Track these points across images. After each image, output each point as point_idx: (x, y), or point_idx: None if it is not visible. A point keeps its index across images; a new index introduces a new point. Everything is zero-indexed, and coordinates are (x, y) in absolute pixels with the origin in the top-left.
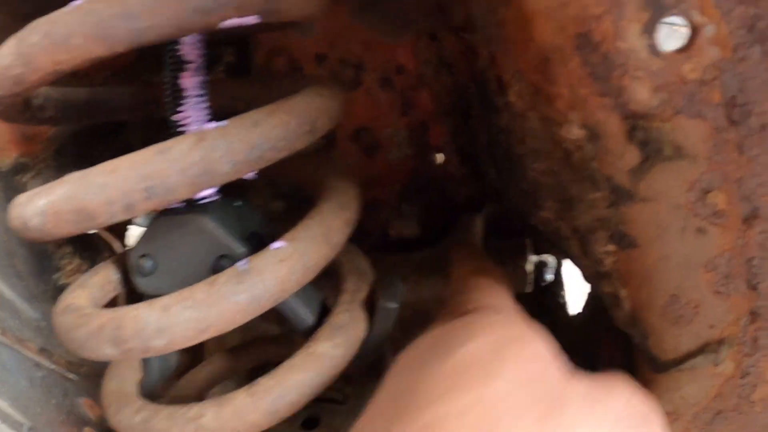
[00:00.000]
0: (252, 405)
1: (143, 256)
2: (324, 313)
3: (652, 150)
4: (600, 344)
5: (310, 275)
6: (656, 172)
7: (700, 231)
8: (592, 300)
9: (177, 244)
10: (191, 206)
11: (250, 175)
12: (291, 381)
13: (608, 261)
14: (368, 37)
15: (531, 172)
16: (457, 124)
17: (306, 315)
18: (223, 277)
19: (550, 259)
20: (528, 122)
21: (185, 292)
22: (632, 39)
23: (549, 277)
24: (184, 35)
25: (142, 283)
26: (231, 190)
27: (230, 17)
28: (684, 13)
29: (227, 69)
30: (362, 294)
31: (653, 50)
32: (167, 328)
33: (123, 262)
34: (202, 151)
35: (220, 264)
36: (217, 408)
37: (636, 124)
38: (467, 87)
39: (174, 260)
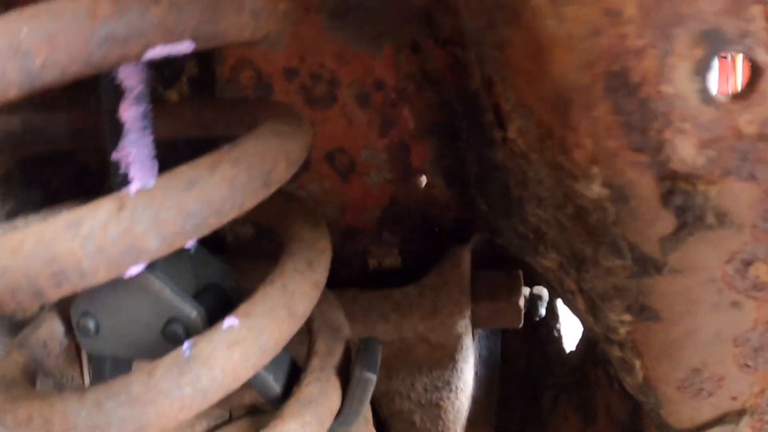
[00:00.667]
0: None
1: (85, 314)
2: (294, 375)
3: (692, 217)
4: (597, 388)
5: (269, 357)
6: (693, 242)
7: (735, 305)
8: (588, 342)
9: (120, 304)
10: None
11: (189, 244)
12: None
13: (622, 330)
14: (343, 48)
15: (533, 218)
16: (442, 144)
17: (272, 384)
18: (162, 366)
19: (543, 292)
20: (532, 165)
21: (120, 385)
22: (681, 82)
23: (542, 311)
24: (95, 72)
25: (86, 344)
26: None
27: (153, 45)
28: (747, 50)
29: (190, 84)
30: (335, 358)
31: (705, 97)
32: (101, 427)
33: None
34: (122, 224)
35: (170, 329)
36: None
37: (675, 187)
38: (454, 105)
39: (118, 322)
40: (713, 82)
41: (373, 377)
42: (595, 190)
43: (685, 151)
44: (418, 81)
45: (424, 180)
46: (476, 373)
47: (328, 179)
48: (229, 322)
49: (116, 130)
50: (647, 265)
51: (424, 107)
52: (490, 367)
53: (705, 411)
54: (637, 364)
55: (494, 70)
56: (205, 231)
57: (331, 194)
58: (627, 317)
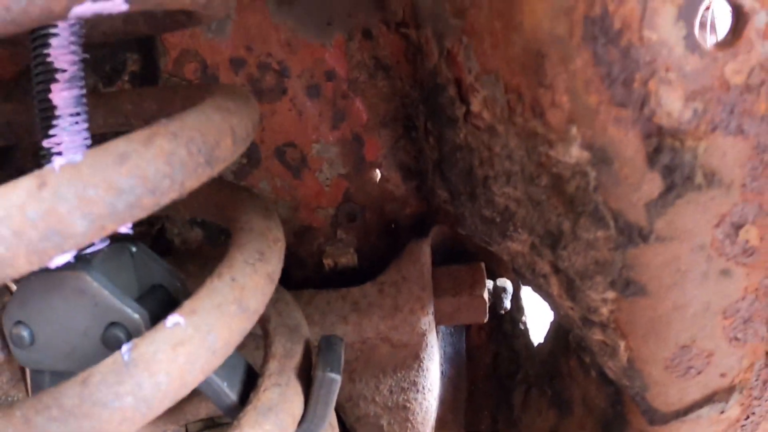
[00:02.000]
0: None
1: (18, 324)
2: (251, 381)
3: (680, 178)
4: (571, 378)
5: (220, 359)
6: (681, 205)
7: (725, 273)
8: (558, 330)
9: (56, 310)
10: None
11: (123, 229)
12: None
13: (605, 310)
14: (291, 37)
15: (500, 199)
16: (397, 136)
17: (227, 392)
18: (98, 374)
19: (507, 284)
20: (498, 139)
21: (51, 397)
22: (665, 27)
23: (507, 304)
24: (17, 30)
25: (20, 357)
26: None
27: (81, 1)
28: None
29: (132, 79)
30: (295, 360)
31: (690, 44)
32: None
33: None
34: (44, 204)
35: (111, 334)
36: None
37: (661, 145)
38: (409, 93)
39: (55, 330)
40: (698, 28)
41: (337, 377)
42: (574, 153)
43: (672, 103)
44: (371, 70)
45: (378, 174)
46: (442, 373)
47: (278, 176)
48: (174, 320)
49: (47, 115)
50: (632, 234)
51: (377, 98)
52: (455, 365)
53: (693, 390)
54: (621, 345)
55: (455, 40)
56: (140, 213)
57: (283, 192)
58: (610, 294)
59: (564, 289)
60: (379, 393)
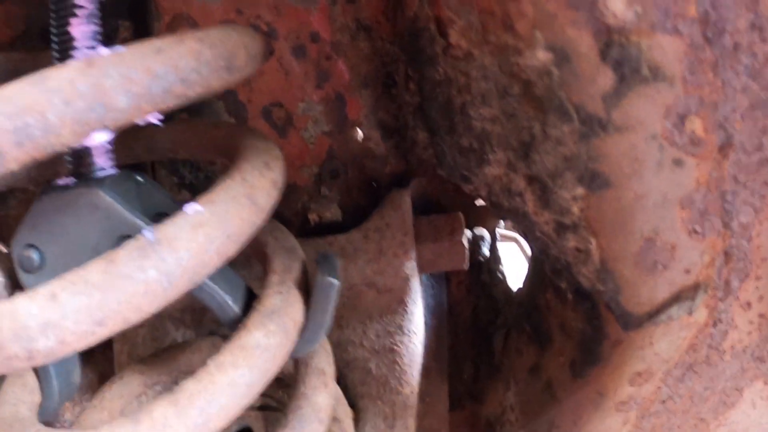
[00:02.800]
0: (176, 417)
1: (28, 247)
2: (252, 299)
3: (629, 70)
4: (548, 310)
5: (234, 246)
6: (632, 96)
7: (677, 163)
8: (536, 270)
9: (67, 229)
10: (81, 180)
11: (154, 117)
12: (221, 383)
13: (576, 208)
14: (279, 1)
15: (477, 122)
16: (378, 95)
17: (230, 303)
18: (124, 250)
19: (485, 233)
20: (474, 62)
21: (76, 273)
22: None
23: (485, 251)
24: None
25: (29, 282)
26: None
27: None
28: None
29: (125, 45)
30: (294, 273)
31: None
32: (55, 322)
33: (8, 261)
34: (92, 79)
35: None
36: (133, 427)
37: (610, 41)
38: (389, 52)
39: (66, 250)
40: None
41: (335, 282)
42: (540, 56)
43: (616, 5)
44: (353, 32)
45: (360, 133)
46: (426, 323)
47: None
48: (193, 207)
49: (68, 45)
50: (593, 125)
51: (358, 59)
52: (437, 315)
53: (662, 288)
54: (593, 243)
55: None
56: (172, 100)
57: None
58: (579, 191)
59: (538, 198)
60: (367, 338)
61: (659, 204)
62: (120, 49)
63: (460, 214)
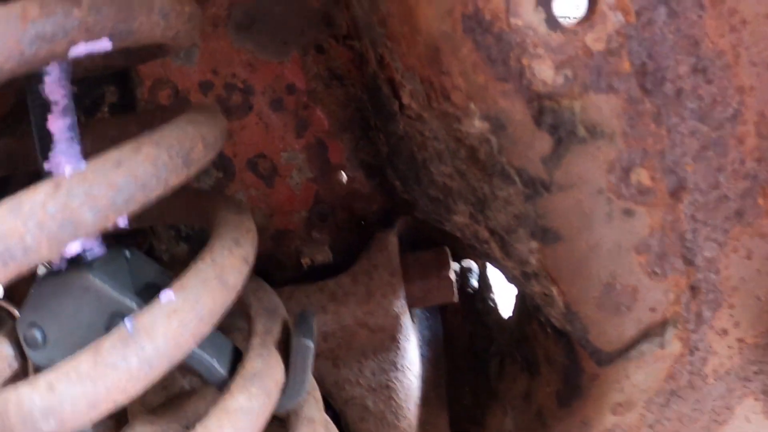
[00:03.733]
0: None
1: (31, 326)
2: (237, 358)
3: (565, 133)
4: (535, 340)
5: (207, 326)
6: (572, 156)
7: (627, 213)
8: (522, 300)
9: (64, 309)
10: (73, 264)
11: (121, 222)
12: None
13: (533, 260)
14: (252, 58)
15: (438, 177)
16: (357, 137)
17: (216, 366)
18: (107, 341)
19: (472, 264)
20: (426, 124)
21: (69, 365)
22: (527, 14)
23: (474, 282)
24: (27, 69)
25: (35, 358)
26: (123, 239)
27: (76, 43)
28: None
29: (111, 110)
30: (274, 335)
31: (551, 24)
32: (55, 408)
33: (16, 334)
34: (59, 201)
35: (113, 322)
36: None
37: (543, 107)
38: (362, 98)
39: (64, 327)
40: (559, 9)
41: (310, 344)
42: (477, 125)
43: (544, 73)
44: (326, 80)
45: (344, 175)
46: (422, 355)
47: (253, 186)
48: (166, 296)
49: (46, 142)
50: (536, 186)
51: (334, 105)
52: (434, 346)
53: (628, 327)
54: (555, 290)
55: (383, 46)
56: (135, 206)
57: (258, 200)
58: (534, 244)
59: (500, 248)
60: (363, 376)
61: (614, 252)
62: (81, 167)
63: (446, 249)
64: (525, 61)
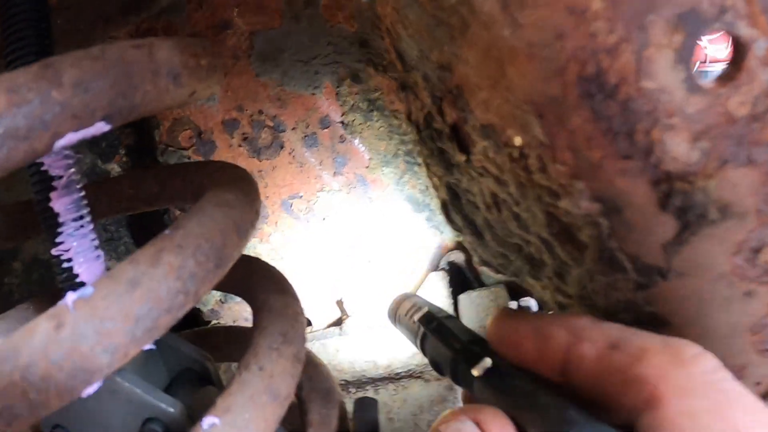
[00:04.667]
0: None
1: (55, 427)
2: None
3: (693, 216)
4: None
5: None
6: (697, 242)
7: (748, 294)
8: None
9: (91, 413)
10: None
11: (148, 346)
12: None
13: None
14: (280, 91)
15: (512, 240)
16: (401, 171)
17: None
18: None
19: (532, 303)
20: (504, 187)
21: None
22: (663, 74)
23: None
24: (4, 174)
25: None
26: None
27: (62, 134)
28: (728, 27)
29: (129, 153)
30: (331, 427)
31: (690, 85)
32: None
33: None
34: (65, 345)
35: (149, 429)
36: None
37: (672, 189)
38: (407, 131)
39: (92, 430)
40: (696, 68)
41: None
42: (583, 206)
43: (678, 148)
44: (365, 112)
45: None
46: None
47: (289, 228)
48: (209, 421)
49: (51, 223)
50: (652, 275)
51: (375, 138)
52: None
53: None
54: None
55: (445, 91)
56: (159, 333)
57: (296, 245)
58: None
59: None
60: (419, 429)
61: (727, 336)
62: (88, 293)
63: (503, 288)
64: (656, 135)
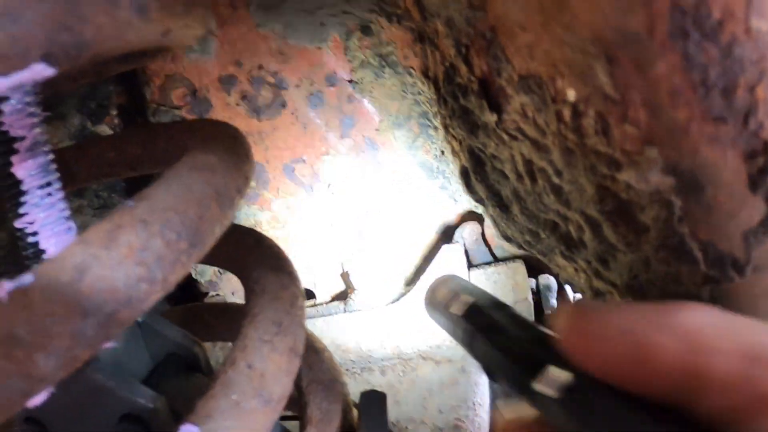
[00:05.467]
0: None
1: (27, 419)
2: None
3: None
4: None
5: None
6: None
7: None
8: None
9: (64, 407)
10: None
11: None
12: None
13: None
14: (283, 44)
15: (546, 215)
16: (414, 135)
17: None
18: None
19: (551, 281)
20: (544, 154)
21: None
22: None
23: (553, 302)
24: None
25: None
26: None
27: None
28: None
29: (120, 113)
30: (334, 424)
31: None
32: None
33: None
34: None
35: (125, 428)
36: None
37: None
38: (422, 90)
39: (66, 426)
40: None
41: None
42: (653, 179)
43: None
44: (376, 68)
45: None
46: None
47: (291, 195)
48: (188, 429)
49: (14, 192)
50: (725, 267)
51: (386, 97)
52: None
53: None
54: None
55: (475, 36)
56: (119, 329)
57: (299, 213)
58: None
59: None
60: (427, 414)
61: None
62: (26, 281)
63: (522, 263)
64: (761, 92)
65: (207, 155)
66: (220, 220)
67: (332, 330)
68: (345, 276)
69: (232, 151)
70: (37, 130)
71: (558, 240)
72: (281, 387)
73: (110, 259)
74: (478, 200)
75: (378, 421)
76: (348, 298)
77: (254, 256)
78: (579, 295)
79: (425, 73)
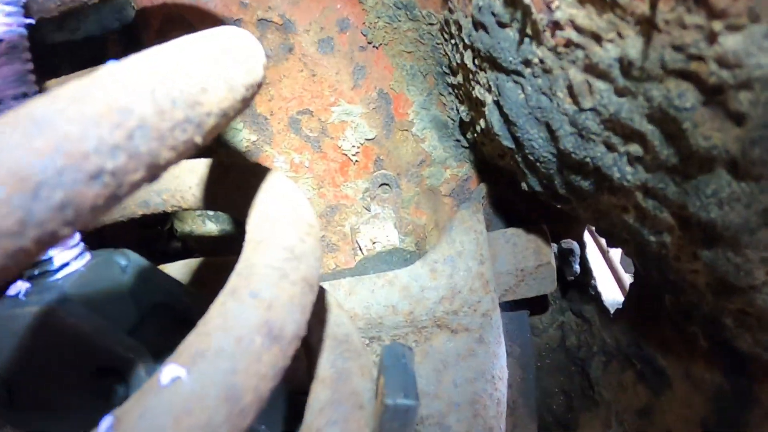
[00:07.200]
0: None
1: None
2: (296, 413)
3: None
4: (668, 351)
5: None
6: None
7: None
8: (641, 292)
9: (30, 357)
10: (36, 286)
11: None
12: None
13: (762, 272)
14: None
15: (607, 171)
16: (430, 87)
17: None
18: None
19: (574, 246)
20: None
21: None
22: None
23: (576, 267)
24: None
25: (4, 417)
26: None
27: None
28: None
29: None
30: (350, 384)
31: None
32: None
33: None
34: None
35: (102, 384)
36: None
37: None
38: (442, 36)
39: (34, 383)
40: None
41: (413, 404)
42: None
43: None
44: (391, 13)
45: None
46: (507, 353)
47: (296, 151)
48: (171, 372)
49: None
50: None
51: (402, 45)
52: (520, 342)
53: None
54: None
55: None
56: (86, 219)
57: (303, 169)
58: None
59: (698, 247)
60: (442, 387)
61: None
62: None
63: (545, 228)
64: None
65: (215, 35)
66: (226, 111)
67: (339, 295)
68: (353, 235)
69: (244, 39)
70: (17, 33)
71: (616, 189)
72: (294, 323)
73: (76, 115)
74: (499, 154)
75: (405, 381)
76: (356, 261)
77: (258, 182)
78: (612, 252)
79: (444, 16)
